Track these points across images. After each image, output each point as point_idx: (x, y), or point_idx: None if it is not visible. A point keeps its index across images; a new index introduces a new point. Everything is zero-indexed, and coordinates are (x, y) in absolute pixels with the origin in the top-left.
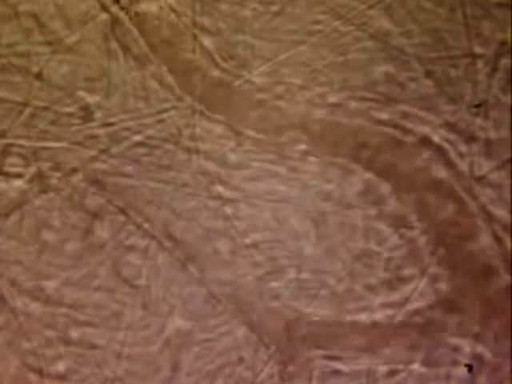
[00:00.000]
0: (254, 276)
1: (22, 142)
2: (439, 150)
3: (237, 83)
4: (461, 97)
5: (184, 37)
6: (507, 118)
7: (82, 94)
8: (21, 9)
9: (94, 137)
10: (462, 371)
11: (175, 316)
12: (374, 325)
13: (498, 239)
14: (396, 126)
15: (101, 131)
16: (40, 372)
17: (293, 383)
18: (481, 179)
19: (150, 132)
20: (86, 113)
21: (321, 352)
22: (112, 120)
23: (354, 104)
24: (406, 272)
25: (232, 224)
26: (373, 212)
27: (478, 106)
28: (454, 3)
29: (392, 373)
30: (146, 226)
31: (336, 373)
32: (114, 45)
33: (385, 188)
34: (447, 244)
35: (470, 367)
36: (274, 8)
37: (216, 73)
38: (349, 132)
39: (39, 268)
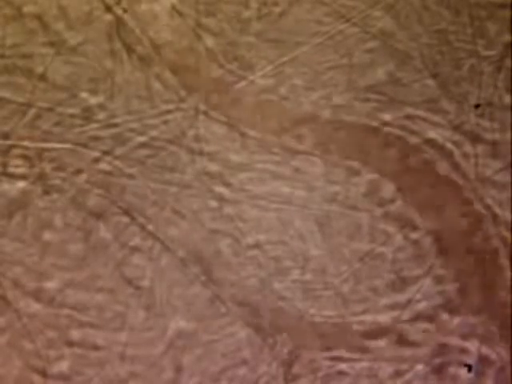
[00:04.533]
0: (257, 277)
1: (25, 143)
2: (444, 151)
3: (241, 84)
4: (466, 98)
5: (188, 38)
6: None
7: (85, 95)
8: (25, 10)
9: (97, 138)
10: (466, 372)
11: (178, 317)
12: (379, 325)
13: (503, 240)
14: (401, 127)
15: (104, 132)
16: (43, 373)
17: None
18: (486, 180)
19: (153, 133)
20: (90, 114)
21: (325, 353)
22: (116, 121)
23: (358, 105)
24: (411, 273)
25: (236, 225)
26: (377, 213)
27: (477, 106)
28: (459, 5)
29: (397, 374)
30: (150, 227)
31: (340, 374)
32: (117, 46)
33: (389, 189)
34: (452, 245)
35: (469, 367)
36: (278, 9)
37: (220, 74)
38: (353, 133)
39: (42, 269)
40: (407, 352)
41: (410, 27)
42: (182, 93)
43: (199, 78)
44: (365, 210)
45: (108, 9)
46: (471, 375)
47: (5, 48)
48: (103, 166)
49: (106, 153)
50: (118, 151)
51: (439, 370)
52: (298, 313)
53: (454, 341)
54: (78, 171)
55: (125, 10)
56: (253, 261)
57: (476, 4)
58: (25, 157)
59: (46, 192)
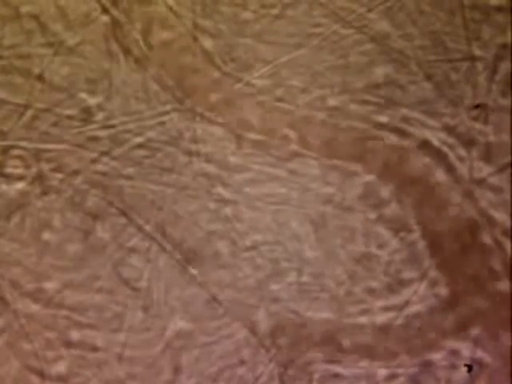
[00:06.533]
0: (254, 278)
1: (23, 143)
2: (439, 154)
3: (237, 86)
4: (461, 100)
5: (185, 39)
6: (507, 122)
7: (83, 95)
8: (22, 10)
9: (95, 139)
10: (461, 375)
11: (176, 318)
12: (374, 328)
13: (498, 243)
14: (396, 130)
15: (102, 133)
16: (41, 374)
17: None
18: (481, 183)
19: (151, 134)
20: (87, 115)
21: (321, 355)
22: (113, 122)
23: (354, 107)
24: (406, 275)
25: (233, 226)
26: (373, 215)
27: (477, 106)
28: (453, 6)
29: (392, 376)
30: (147, 228)
31: (336, 376)
32: (114, 47)
33: (385, 191)
34: (447, 248)
35: (469, 367)
36: (275, 11)
37: (217, 75)
38: (349, 135)
39: (40, 270)
40: (402, 354)
41: (405, 29)
42: (179, 94)
43: (196, 79)
44: (360, 212)
45: (105, 10)
46: (465, 378)
47: (2, 48)
48: (101, 166)
49: (103, 153)
50: (116, 152)
51: (434, 373)
52: (294, 314)
53: (449, 343)
54: (76, 172)
55: (122, 12)
56: (250, 262)
57: (471, 6)
58: (23, 158)
59: (44, 193)
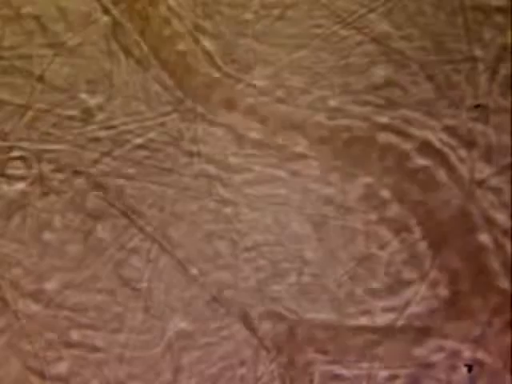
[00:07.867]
0: (255, 279)
1: (24, 144)
2: (440, 155)
3: (238, 86)
4: (461, 101)
5: (185, 40)
6: (507, 123)
7: (83, 96)
8: (23, 11)
9: (95, 139)
10: (461, 376)
11: (177, 319)
12: (375, 329)
13: (499, 244)
14: (397, 130)
15: (103, 134)
16: (41, 374)
17: None
18: (481, 184)
19: (151, 135)
20: (88, 115)
21: (321, 356)
22: (114, 123)
23: (354, 108)
24: (407, 276)
25: (234, 227)
26: (374, 216)
27: (477, 107)
28: (454, 7)
29: (392, 377)
30: (148, 228)
31: (337, 377)
32: (115, 47)
33: (386, 192)
34: (447, 248)
35: (469, 367)
36: (276, 12)
37: (217, 76)
38: (349, 136)
39: (41, 270)
40: (403, 355)
41: (406, 30)
42: (180, 95)
43: (197, 80)
44: (361, 213)
45: (106, 11)
46: (466, 378)
47: (3, 49)
48: (101, 167)
49: (104, 154)
50: (116, 152)
51: (434, 374)
52: (294, 315)
53: (450, 344)
54: (77, 172)
55: (122, 12)
56: (250, 263)
57: (471, 7)
58: (23, 158)
59: (45, 193)
